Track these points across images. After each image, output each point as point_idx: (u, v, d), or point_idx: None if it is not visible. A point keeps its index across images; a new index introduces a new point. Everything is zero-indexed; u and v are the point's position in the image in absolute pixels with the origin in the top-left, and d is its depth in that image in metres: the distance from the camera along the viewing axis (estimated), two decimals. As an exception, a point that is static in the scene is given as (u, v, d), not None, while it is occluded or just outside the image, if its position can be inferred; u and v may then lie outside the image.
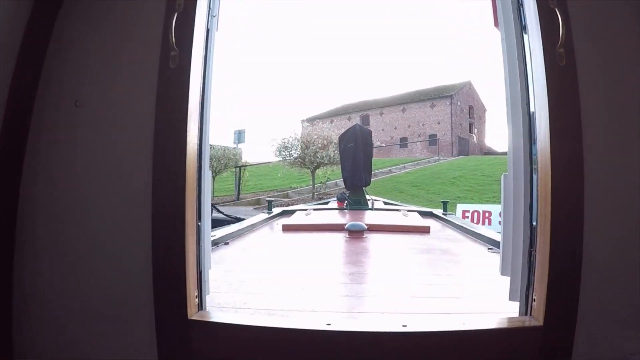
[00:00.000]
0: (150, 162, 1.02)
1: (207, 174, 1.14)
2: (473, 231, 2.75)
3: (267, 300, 1.41)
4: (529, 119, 1.11)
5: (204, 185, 1.12)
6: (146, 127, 1.03)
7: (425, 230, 2.85)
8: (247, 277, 1.69)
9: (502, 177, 1.15)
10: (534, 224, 1.07)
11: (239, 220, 8.90)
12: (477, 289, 1.56)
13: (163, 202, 1.02)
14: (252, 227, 3.07)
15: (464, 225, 3.05)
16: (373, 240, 2.46)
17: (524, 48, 1.11)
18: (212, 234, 2.38)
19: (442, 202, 4.15)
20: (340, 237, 2.51)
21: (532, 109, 1.09)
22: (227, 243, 2.43)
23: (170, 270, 1.01)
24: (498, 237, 2.33)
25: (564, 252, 0.99)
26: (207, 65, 1.14)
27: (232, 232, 2.67)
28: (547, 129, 1.00)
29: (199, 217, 1.09)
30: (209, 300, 1.14)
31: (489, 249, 2.31)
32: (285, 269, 1.87)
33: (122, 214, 1.06)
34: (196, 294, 1.07)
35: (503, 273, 1.14)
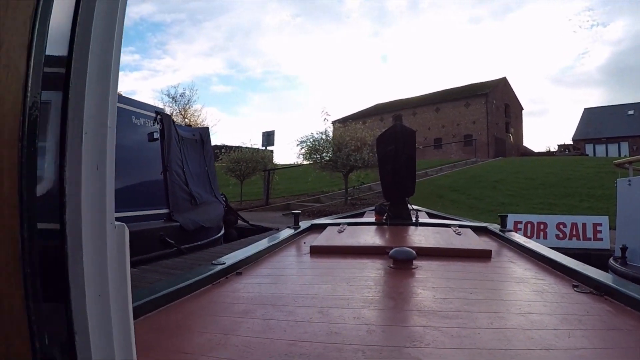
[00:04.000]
0: None
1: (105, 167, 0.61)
2: (544, 256, 2.17)
3: None
4: None
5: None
6: None
7: (486, 255, 2.32)
8: (256, 331, 1.19)
9: None
10: None
11: (264, 230, 8.59)
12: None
13: None
14: (273, 248, 2.57)
15: (534, 249, 2.44)
16: (424, 271, 1.95)
17: None
18: (221, 260, 1.95)
19: (499, 216, 3.55)
20: (382, 267, 2.00)
21: None
22: (240, 272, 1.95)
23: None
24: (589, 271, 1.79)
25: None
26: None
27: (249, 257, 2.18)
28: None
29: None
30: None
31: (574, 286, 1.71)
32: (311, 320, 1.34)
33: None
34: None
35: None
